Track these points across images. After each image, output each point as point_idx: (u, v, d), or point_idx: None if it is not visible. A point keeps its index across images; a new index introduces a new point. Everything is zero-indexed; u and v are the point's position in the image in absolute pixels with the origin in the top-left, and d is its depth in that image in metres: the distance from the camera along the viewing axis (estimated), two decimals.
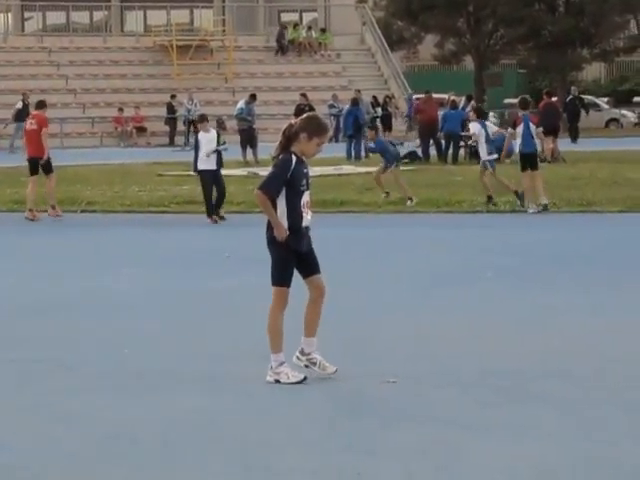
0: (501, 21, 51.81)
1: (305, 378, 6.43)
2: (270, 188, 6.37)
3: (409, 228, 15.23)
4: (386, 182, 18.50)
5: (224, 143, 17.49)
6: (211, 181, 16.64)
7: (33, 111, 19.61)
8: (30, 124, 18.45)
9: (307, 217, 6.57)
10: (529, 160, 17.41)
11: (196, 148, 17.15)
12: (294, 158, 6.39)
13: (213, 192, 17.10)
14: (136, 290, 10.42)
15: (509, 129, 19.78)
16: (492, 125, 27.38)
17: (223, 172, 18.25)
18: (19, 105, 36.81)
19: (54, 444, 5.13)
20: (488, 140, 18.65)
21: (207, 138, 17.09)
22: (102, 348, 7.61)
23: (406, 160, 26.39)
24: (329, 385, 6.49)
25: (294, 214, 6.47)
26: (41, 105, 19.15)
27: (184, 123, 40.04)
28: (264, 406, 5.89)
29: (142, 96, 43.25)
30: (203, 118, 18.43)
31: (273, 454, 4.91)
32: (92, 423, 5.52)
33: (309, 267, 6.64)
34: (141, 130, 41.55)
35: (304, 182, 6.51)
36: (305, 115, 6.95)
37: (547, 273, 10.85)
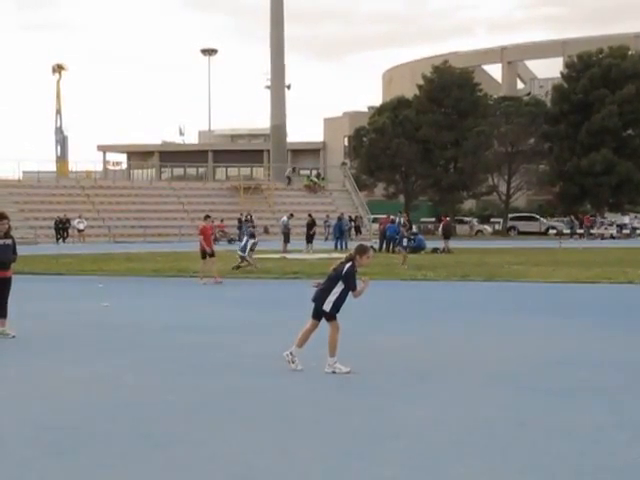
0: (419, 176, 63.96)
1: (350, 371, 8.01)
2: (355, 284, 8.35)
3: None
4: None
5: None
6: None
7: (202, 222, 21.61)
8: (204, 228, 20.93)
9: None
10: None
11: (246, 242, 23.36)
12: (354, 268, 8.26)
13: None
14: (218, 318, 13.32)
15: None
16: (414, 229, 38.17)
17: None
18: (244, 218, 49.51)
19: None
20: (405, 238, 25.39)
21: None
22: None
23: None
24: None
25: (343, 295, 8.30)
26: (206, 218, 21.71)
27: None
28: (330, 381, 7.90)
29: (224, 214, 53.67)
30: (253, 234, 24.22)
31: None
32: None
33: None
34: (223, 232, 51.57)
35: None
36: (356, 245, 8.61)
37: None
